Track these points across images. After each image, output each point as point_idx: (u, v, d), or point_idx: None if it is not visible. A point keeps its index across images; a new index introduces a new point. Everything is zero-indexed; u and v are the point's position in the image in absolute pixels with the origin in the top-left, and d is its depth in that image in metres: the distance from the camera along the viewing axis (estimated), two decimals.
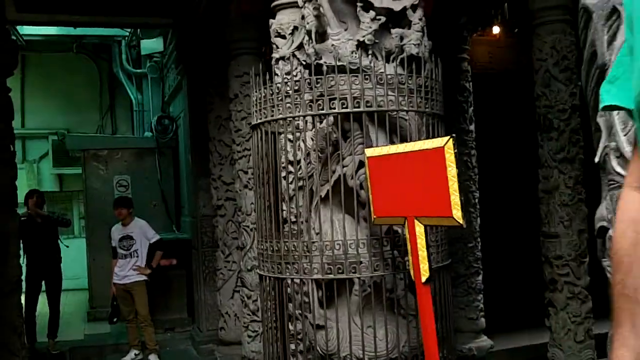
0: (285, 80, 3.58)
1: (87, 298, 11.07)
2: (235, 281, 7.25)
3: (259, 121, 3.64)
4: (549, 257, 5.47)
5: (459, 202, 2.44)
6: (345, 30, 3.46)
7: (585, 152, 5.43)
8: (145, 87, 12.40)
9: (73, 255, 10.58)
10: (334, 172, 3.30)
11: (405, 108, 3.26)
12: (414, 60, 3.36)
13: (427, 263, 2.65)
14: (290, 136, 3.77)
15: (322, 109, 3.20)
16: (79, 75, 13.78)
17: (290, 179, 3.67)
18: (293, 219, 3.57)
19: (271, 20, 4.76)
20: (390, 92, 3.25)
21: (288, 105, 3.44)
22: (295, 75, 3.64)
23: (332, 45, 3.41)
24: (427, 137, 3.33)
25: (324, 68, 3.27)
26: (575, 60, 5.37)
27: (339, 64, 3.34)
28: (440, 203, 2.51)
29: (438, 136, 3.35)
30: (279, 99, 3.46)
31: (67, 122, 13.84)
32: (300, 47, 4.62)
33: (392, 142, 3.24)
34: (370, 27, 3.33)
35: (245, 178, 6.34)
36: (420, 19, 3.44)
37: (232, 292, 7.32)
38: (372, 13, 3.33)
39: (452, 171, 2.44)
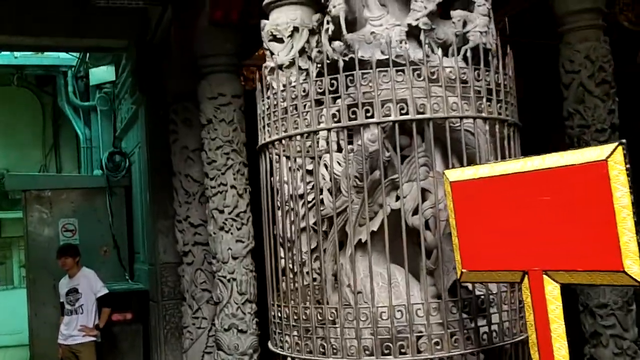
0: (292, 88, 2.66)
1: (28, 357, 9.68)
2: (206, 341, 6.17)
3: (265, 141, 2.70)
4: (589, 305, 4.61)
5: (636, 249, 1.52)
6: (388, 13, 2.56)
7: None
8: (94, 121, 11.28)
9: (12, 307, 9.28)
10: (380, 206, 2.36)
11: (484, 115, 2.36)
12: (481, 53, 2.48)
13: (564, 342, 1.71)
14: (303, 159, 2.85)
15: (370, 116, 2.26)
16: (20, 109, 12.54)
17: (304, 215, 2.73)
18: (311, 274, 2.64)
19: (263, 22, 3.85)
20: (462, 94, 2.37)
21: (305, 117, 2.52)
22: (304, 81, 2.71)
23: (372, 33, 2.50)
24: (501, 156, 2.44)
25: (372, 61, 2.34)
26: (612, 71, 4.63)
27: (382, 57, 2.42)
28: (598, 249, 1.59)
29: (514, 154, 2.47)
30: (287, 110, 2.55)
31: (6, 161, 12.54)
32: (302, 52, 3.73)
33: (450, 166, 2.35)
34: (426, 8, 2.44)
35: (221, 219, 5.35)
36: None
37: (202, 355, 6.21)
38: None
39: (623, 199, 1.53)
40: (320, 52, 3.78)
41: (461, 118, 2.28)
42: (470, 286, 2.31)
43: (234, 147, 5.46)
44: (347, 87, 2.45)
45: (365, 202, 2.29)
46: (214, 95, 5.41)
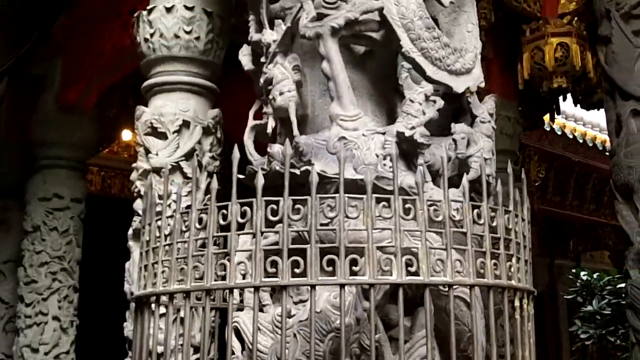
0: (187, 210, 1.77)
1: None
2: None
3: (144, 292, 1.72)
4: None
5: None
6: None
7: None
8: None
9: None
10: None
11: (489, 281, 1.57)
12: (484, 186, 1.73)
13: None
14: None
15: (357, 271, 1.38)
16: None
17: None
18: None
19: (141, 108, 2.92)
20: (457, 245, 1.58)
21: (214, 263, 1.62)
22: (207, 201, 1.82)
23: (342, 138, 1.66)
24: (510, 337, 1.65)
25: (366, 182, 1.48)
26: None
27: (355, 177, 1.59)
28: None
29: (525, 336, 1.70)
30: (182, 248, 1.66)
31: None
32: (189, 155, 2.81)
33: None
34: (424, 113, 1.67)
35: None
36: (491, 114, 1.87)
37: None
38: (428, 87, 1.69)
39: None
40: (214, 157, 2.91)
41: (471, 286, 1.46)
42: None
43: (65, 265, 4.30)
44: (291, 217, 1.57)
45: None
46: (47, 195, 4.27)
